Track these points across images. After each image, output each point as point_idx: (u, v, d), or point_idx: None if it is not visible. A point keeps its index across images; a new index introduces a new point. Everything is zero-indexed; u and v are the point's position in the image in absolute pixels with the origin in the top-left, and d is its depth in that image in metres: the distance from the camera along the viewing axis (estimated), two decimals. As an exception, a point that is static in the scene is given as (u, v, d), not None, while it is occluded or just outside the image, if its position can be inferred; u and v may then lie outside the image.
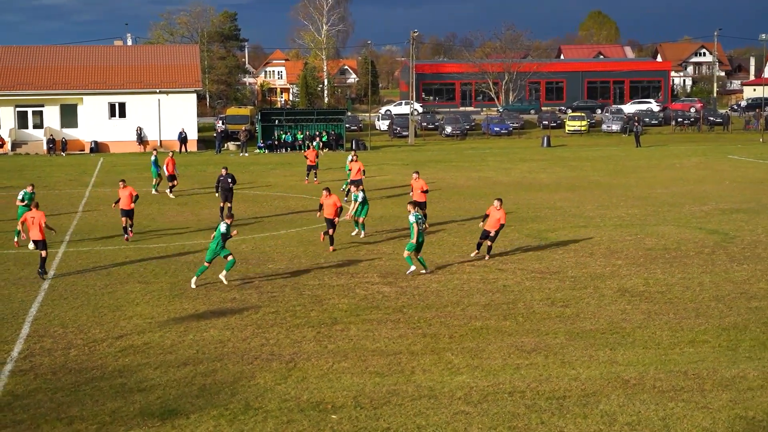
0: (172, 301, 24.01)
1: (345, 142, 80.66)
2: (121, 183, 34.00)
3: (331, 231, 30.95)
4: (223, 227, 25.57)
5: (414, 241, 26.81)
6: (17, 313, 22.84)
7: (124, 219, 33.08)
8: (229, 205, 37.15)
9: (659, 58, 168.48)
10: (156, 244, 32.38)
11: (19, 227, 29.00)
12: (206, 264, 25.57)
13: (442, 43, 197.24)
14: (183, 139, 77.91)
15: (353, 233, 33.54)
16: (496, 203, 28.94)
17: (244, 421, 15.57)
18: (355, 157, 44.15)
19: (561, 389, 16.99)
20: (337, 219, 30.96)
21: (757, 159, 65.84)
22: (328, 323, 21.77)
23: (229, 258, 25.52)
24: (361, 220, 33.28)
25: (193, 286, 25.36)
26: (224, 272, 25.83)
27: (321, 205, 31.35)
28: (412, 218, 27.03)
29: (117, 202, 33.46)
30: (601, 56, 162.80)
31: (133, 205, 33.08)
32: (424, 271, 26.98)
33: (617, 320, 21.88)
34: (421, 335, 20.75)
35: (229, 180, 37.56)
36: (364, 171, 43.25)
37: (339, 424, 15.41)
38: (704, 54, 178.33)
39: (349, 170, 43.84)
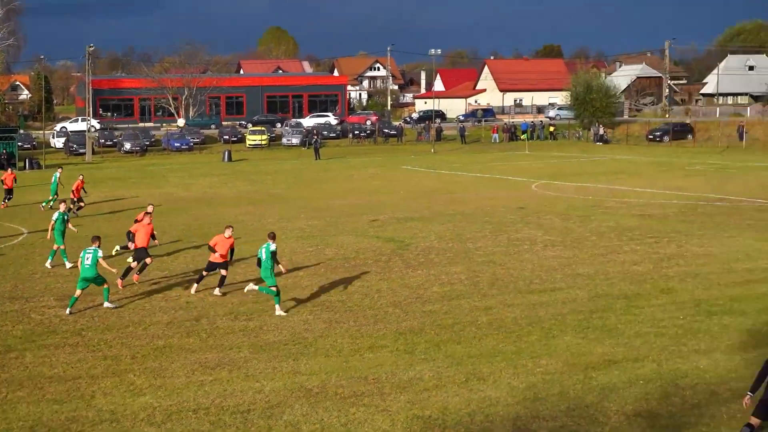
0: None
1: (18, 161, 76.97)
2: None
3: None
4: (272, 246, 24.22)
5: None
6: None
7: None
8: None
9: (336, 73, 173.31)
10: None
11: None
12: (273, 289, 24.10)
13: (119, 58, 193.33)
14: None
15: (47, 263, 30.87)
16: (228, 232, 26.17)
17: None
18: (81, 176, 45.73)
19: (245, 403, 17.06)
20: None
21: (429, 169, 69.03)
22: (2, 351, 20.73)
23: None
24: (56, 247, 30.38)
25: (282, 313, 23.77)
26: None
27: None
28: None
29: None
30: (280, 71, 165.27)
31: None
32: (67, 311, 24.08)
33: (300, 331, 22.23)
34: (101, 357, 20.19)
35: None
36: (84, 189, 45.11)
37: (14, 457, 14.72)
38: (378, 68, 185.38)
39: (67, 188, 45.64)
